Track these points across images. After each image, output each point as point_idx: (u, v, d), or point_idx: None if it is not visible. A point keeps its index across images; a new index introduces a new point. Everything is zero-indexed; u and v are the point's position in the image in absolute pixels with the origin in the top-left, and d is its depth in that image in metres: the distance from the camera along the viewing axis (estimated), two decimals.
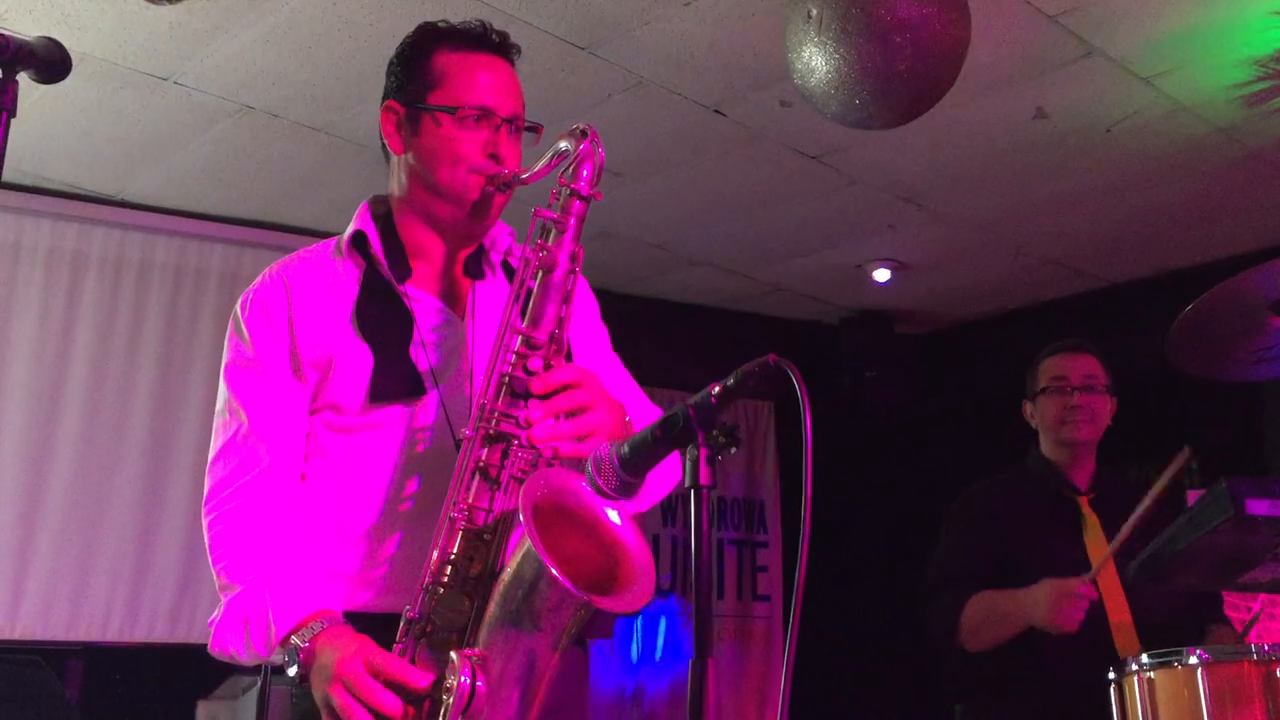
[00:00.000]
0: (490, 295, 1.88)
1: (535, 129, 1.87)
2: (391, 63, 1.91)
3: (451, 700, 1.44)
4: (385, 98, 1.89)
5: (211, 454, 1.78)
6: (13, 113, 1.32)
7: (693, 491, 1.32)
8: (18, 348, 4.40)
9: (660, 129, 4.13)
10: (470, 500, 1.59)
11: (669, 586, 5.87)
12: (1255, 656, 2.32)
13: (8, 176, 4.61)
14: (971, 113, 3.97)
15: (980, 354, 6.19)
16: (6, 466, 4.32)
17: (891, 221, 5.02)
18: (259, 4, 3.31)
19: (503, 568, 1.55)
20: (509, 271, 1.91)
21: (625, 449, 1.38)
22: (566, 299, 1.67)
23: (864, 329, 6.24)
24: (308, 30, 3.46)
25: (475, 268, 1.88)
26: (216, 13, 3.36)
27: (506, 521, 1.59)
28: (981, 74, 3.61)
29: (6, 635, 4.20)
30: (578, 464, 1.61)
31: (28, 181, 4.42)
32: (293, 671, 1.60)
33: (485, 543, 1.58)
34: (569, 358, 1.72)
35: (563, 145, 1.71)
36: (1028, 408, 3.19)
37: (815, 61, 2.87)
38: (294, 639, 1.60)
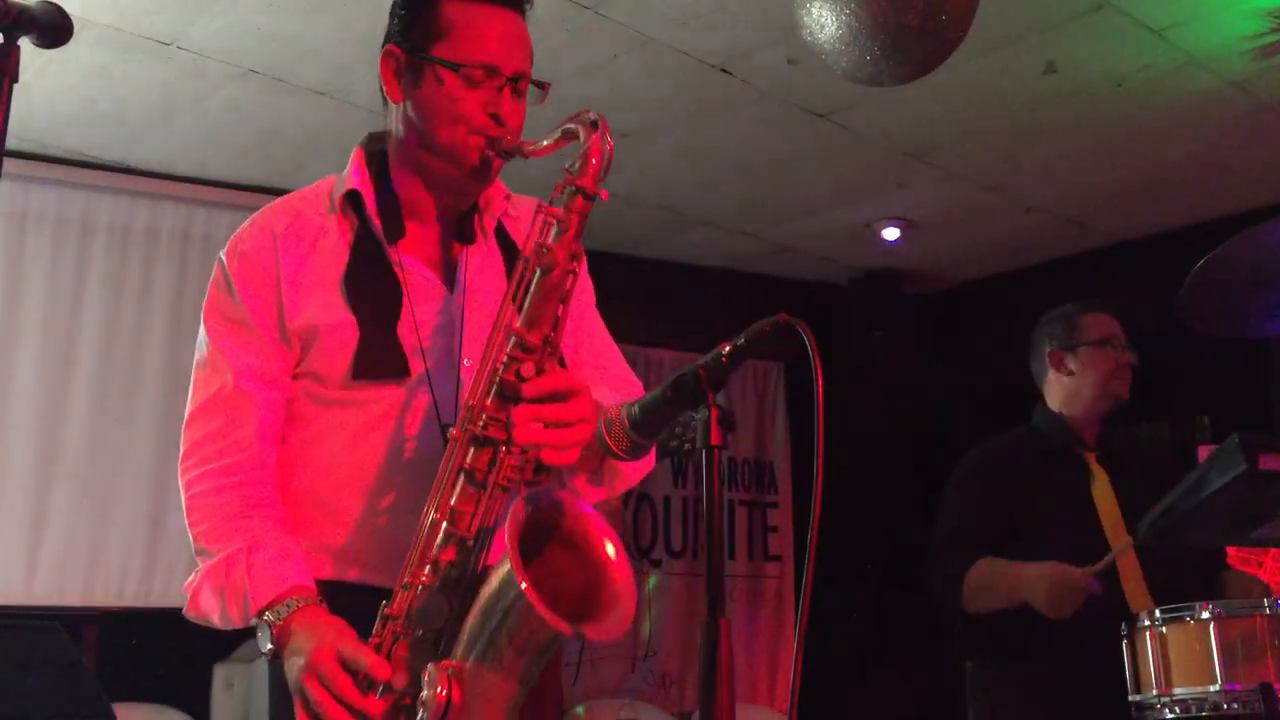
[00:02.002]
0: (481, 264, 1.83)
1: (542, 86, 1.78)
2: (396, 3, 1.82)
3: (428, 714, 1.44)
4: (386, 40, 1.79)
5: (190, 407, 1.74)
6: (15, 78, 1.31)
7: (704, 452, 1.32)
8: (27, 316, 4.42)
9: (666, 89, 4.10)
10: (454, 503, 1.56)
11: (680, 548, 5.90)
12: (1268, 610, 2.33)
13: (13, 145, 4.61)
14: (981, 68, 3.93)
15: (990, 313, 6.16)
16: (20, 434, 4.34)
17: (900, 180, 4.99)
18: None
19: (484, 571, 1.54)
20: (501, 237, 1.86)
21: (636, 410, 1.38)
22: (564, 300, 1.61)
23: (873, 288, 6.22)
24: None
25: (468, 230, 1.83)
26: None
27: (488, 532, 1.57)
28: (991, 28, 3.57)
29: (23, 600, 4.24)
30: (558, 474, 1.61)
31: (33, 149, 4.41)
32: (266, 647, 1.60)
33: (467, 548, 1.56)
34: (561, 362, 1.67)
35: (569, 129, 1.66)
36: (1059, 357, 3.15)
37: (825, 17, 2.84)
38: (268, 614, 1.59)
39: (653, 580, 5.71)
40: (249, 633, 1.64)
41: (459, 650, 1.49)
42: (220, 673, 4.53)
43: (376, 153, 1.83)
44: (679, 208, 5.31)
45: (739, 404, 6.19)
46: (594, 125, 1.64)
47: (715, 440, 1.32)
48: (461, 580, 1.55)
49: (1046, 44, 3.82)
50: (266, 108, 4.16)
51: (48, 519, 4.34)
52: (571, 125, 1.66)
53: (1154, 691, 2.42)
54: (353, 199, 1.78)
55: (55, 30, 1.35)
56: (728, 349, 1.35)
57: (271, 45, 3.72)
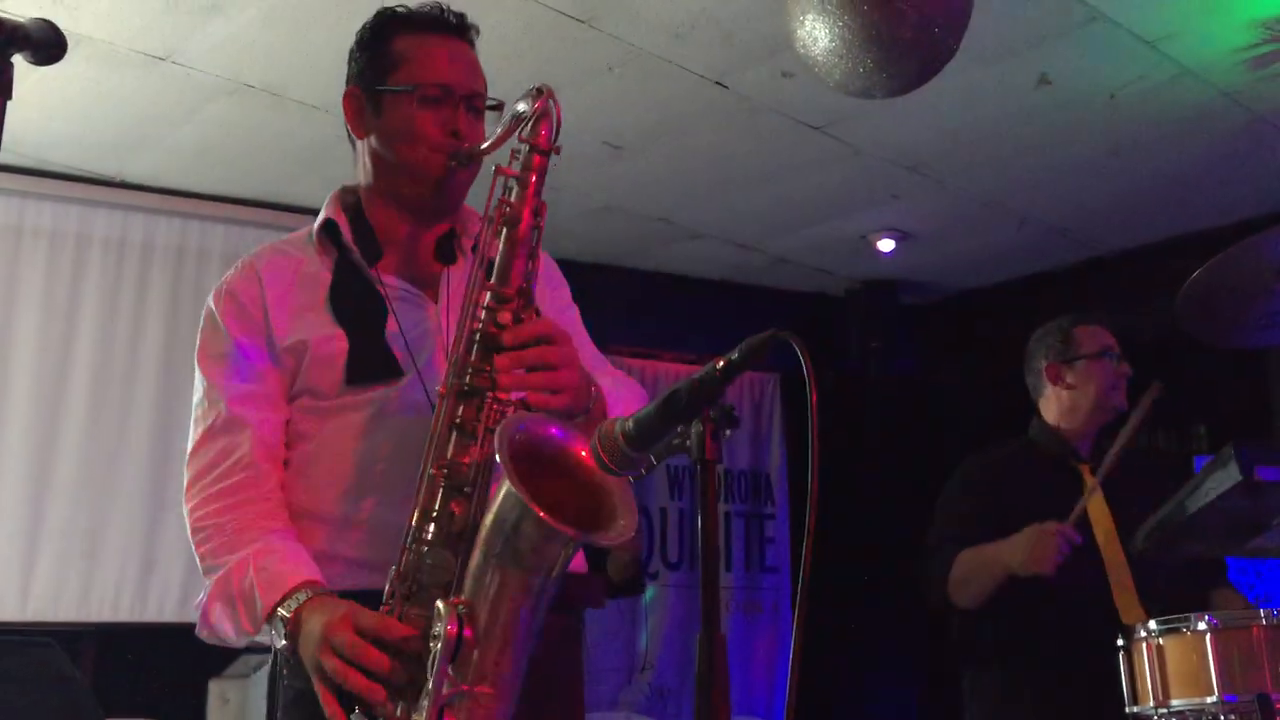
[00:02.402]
0: (464, 280, 1.84)
1: (497, 107, 1.86)
2: (351, 50, 1.92)
3: (439, 648, 1.44)
4: (347, 84, 1.90)
5: (190, 445, 1.78)
6: (8, 95, 1.31)
7: (699, 466, 1.32)
8: (23, 331, 4.41)
9: (661, 101, 4.10)
10: (449, 455, 1.59)
11: (677, 560, 5.89)
12: (1264, 621, 2.33)
13: (8, 160, 4.61)
14: (975, 80, 3.94)
15: (986, 323, 6.17)
16: (14, 449, 4.33)
17: (895, 191, 5.00)
18: None
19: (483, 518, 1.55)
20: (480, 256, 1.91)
21: (631, 425, 1.38)
22: (532, 254, 1.67)
23: (869, 300, 6.23)
24: (305, 8, 3.44)
25: (447, 252, 1.88)
26: None
27: (484, 472, 1.59)
28: (985, 41, 3.58)
29: (18, 616, 4.23)
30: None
31: (28, 164, 4.41)
32: (281, 644, 1.60)
33: (466, 496, 1.58)
34: (538, 313, 1.71)
35: (520, 108, 1.70)
36: (1057, 370, 3.16)
37: (819, 30, 2.85)
38: (280, 610, 1.59)
39: (649, 593, 5.70)
40: (245, 648, 1.63)
41: (468, 585, 1.50)
42: (215, 688, 4.51)
43: (351, 200, 1.90)
44: (675, 219, 5.32)
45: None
46: (538, 92, 1.69)
47: (710, 454, 1.31)
48: (464, 531, 1.56)
49: (1040, 56, 3.83)
50: (261, 122, 4.17)
51: (43, 534, 4.33)
52: (519, 104, 1.70)
53: (1151, 703, 2.41)
54: (330, 229, 1.85)
55: (49, 47, 1.34)
56: (722, 364, 1.35)
57: (266, 60, 3.73)
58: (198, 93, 3.94)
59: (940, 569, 3.01)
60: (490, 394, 1.60)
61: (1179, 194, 5.01)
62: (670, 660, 5.70)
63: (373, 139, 1.85)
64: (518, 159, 1.69)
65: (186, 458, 1.78)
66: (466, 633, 1.44)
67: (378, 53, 1.86)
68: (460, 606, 1.46)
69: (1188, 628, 2.38)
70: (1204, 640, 2.34)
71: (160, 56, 3.70)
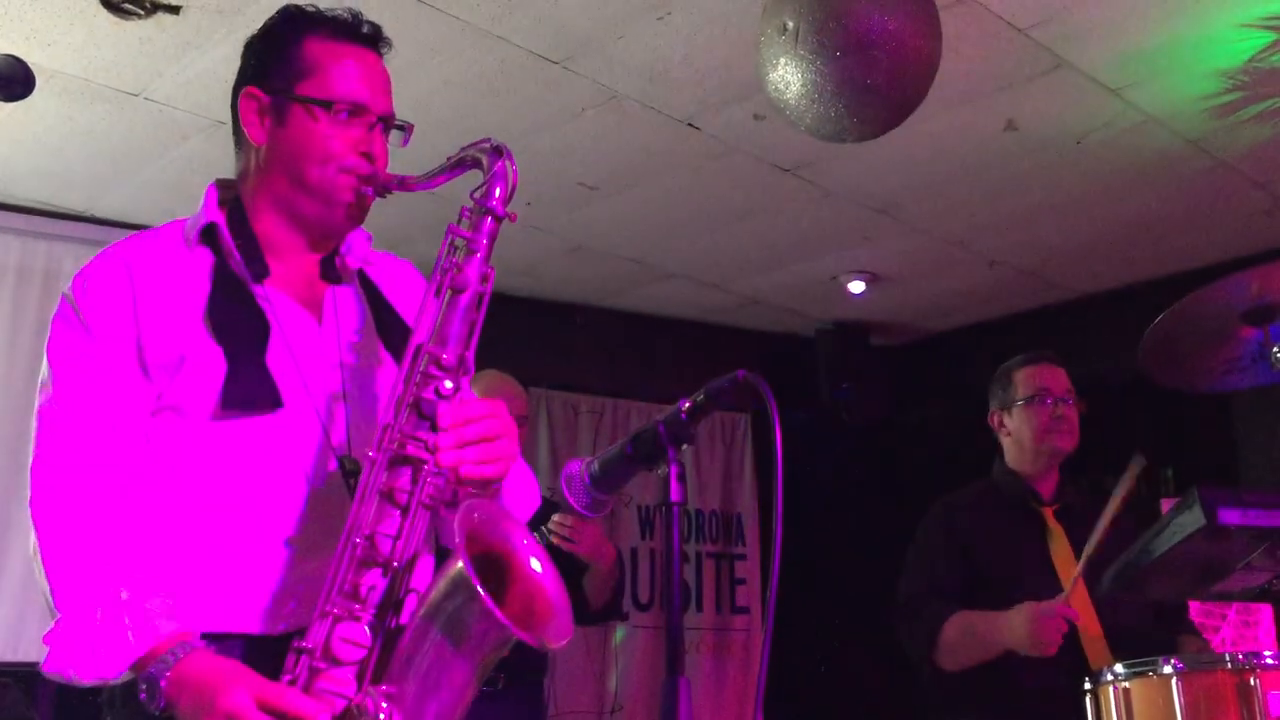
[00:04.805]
0: (347, 302, 1.78)
1: (405, 128, 1.77)
2: (252, 44, 1.79)
3: None
4: (244, 82, 1.76)
5: (37, 449, 1.59)
6: None
7: (664, 509, 1.32)
8: None
9: (634, 143, 4.13)
10: (373, 525, 1.49)
11: (647, 601, 5.85)
12: (1230, 665, 2.34)
13: None
14: (943, 125, 3.99)
15: (955, 365, 6.21)
16: None
17: (866, 234, 5.04)
18: (229, 20, 3.30)
19: (408, 595, 1.49)
20: (364, 282, 1.81)
21: (597, 467, 1.38)
22: (475, 321, 1.59)
23: (840, 341, 6.26)
24: None
25: (330, 271, 1.77)
26: (186, 29, 3.34)
27: (411, 554, 1.51)
28: (953, 87, 3.63)
29: None
30: (481, 490, 1.55)
31: None
32: (156, 706, 1.44)
33: (390, 572, 1.48)
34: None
35: (466, 157, 1.64)
36: (998, 418, 3.19)
37: (790, 75, 2.88)
38: (152, 667, 1.44)
39: (619, 634, 5.66)
40: None
41: (393, 672, 1.42)
42: None
43: (230, 198, 1.79)
44: (647, 260, 5.33)
45: (706, 456, 6.18)
46: (497, 151, 1.62)
47: (675, 498, 1.31)
48: (383, 608, 1.48)
49: (1007, 102, 3.88)
50: (233, 160, 4.15)
51: (3, 574, 4.26)
52: (470, 153, 1.64)
53: None
54: (210, 232, 1.73)
55: (16, 82, 1.35)
56: (687, 405, 1.35)
57: None
58: (170, 129, 3.93)
59: (927, 632, 2.96)
60: (425, 465, 1.51)
61: (1144, 238, 5.08)
62: (640, 702, 5.65)
63: (272, 147, 1.73)
64: (468, 219, 1.62)
65: (31, 464, 1.59)
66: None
67: (286, 54, 1.72)
68: (389, 694, 1.40)
69: (1154, 672, 2.38)
70: (1170, 684, 2.34)
71: (132, 92, 3.69)
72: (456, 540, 1.39)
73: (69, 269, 4.53)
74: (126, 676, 1.47)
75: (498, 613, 1.34)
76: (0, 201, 4.41)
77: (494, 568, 1.45)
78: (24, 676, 3.83)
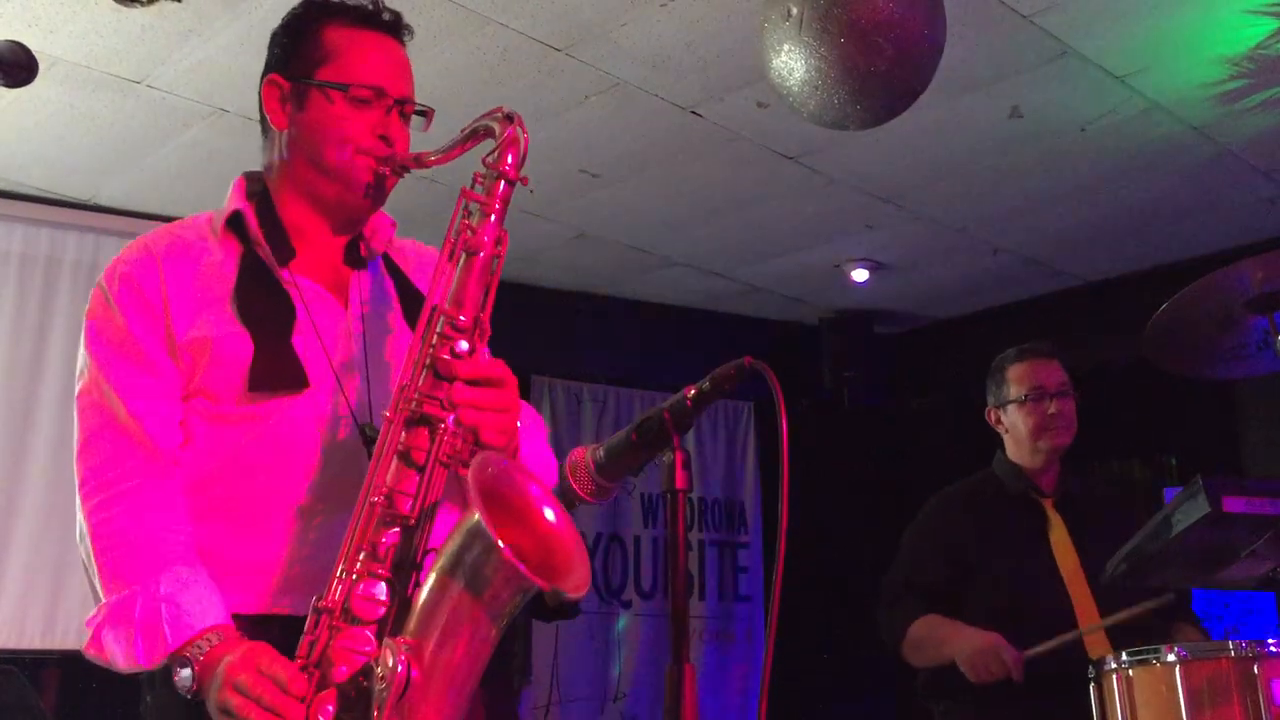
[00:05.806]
0: (372, 286, 1.80)
1: (426, 113, 1.80)
2: (276, 34, 1.84)
3: (386, 689, 1.37)
4: (268, 71, 1.81)
5: (81, 436, 1.66)
6: None
7: (668, 496, 1.32)
8: None
9: (637, 130, 4.12)
10: (391, 485, 1.50)
11: (650, 589, 5.86)
12: (1233, 653, 2.33)
13: None
14: (948, 113, 3.98)
15: (959, 353, 6.20)
16: None
17: (869, 221, 5.03)
18: (232, 7, 3.29)
19: (426, 554, 1.49)
20: (389, 265, 1.84)
21: (602, 454, 1.37)
22: (490, 283, 1.60)
23: (843, 329, 6.25)
24: None
25: (355, 256, 1.80)
26: (188, 16, 3.34)
27: (433, 505, 1.52)
28: (958, 74, 3.62)
29: None
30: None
31: (0, 186, 4.38)
32: (185, 685, 1.50)
33: (409, 529, 1.50)
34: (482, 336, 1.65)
35: (479, 127, 1.65)
36: (994, 414, 3.18)
37: (794, 62, 2.87)
38: (189, 650, 1.50)
39: (622, 622, 5.67)
40: None
41: (412, 626, 1.43)
42: None
43: (257, 189, 1.81)
44: (650, 248, 5.33)
45: (709, 443, 6.18)
46: (509, 118, 1.63)
47: (680, 484, 1.31)
48: (402, 564, 1.49)
49: (1011, 89, 3.87)
50: (235, 147, 4.15)
51: (6, 561, 4.27)
52: (483, 123, 1.65)
53: None
54: (236, 220, 1.76)
55: (19, 69, 1.34)
56: (693, 393, 1.35)
57: (241, 84, 3.72)
58: (172, 117, 3.92)
59: (898, 625, 3.04)
60: (443, 425, 1.53)
61: (1149, 226, 5.07)
62: (643, 689, 5.67)
63: (293, 133, 1.77)
64: (482, 184, 1.63)
65: (77, 451, 1.66)
66: (415, 674, 1.38)
67: (307, 42, 1.77)
68: (406, 646, 1.39)
69: (1158, 659, 2.38)
70: (1174, 672, 2.34)
71: (135, 80, 3.68)
72: (471, 493, 1.39)
73: (71, 256, 4.55)
74: (162, 665, 1.53)
75: (517, 562, 1.34)
76: (2, 189, 4.40)
77: (510, 519, 1.45)
78: (28, 664, 3.85)
